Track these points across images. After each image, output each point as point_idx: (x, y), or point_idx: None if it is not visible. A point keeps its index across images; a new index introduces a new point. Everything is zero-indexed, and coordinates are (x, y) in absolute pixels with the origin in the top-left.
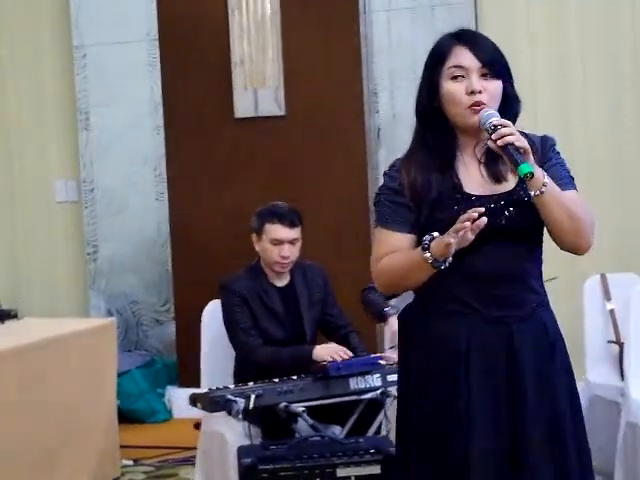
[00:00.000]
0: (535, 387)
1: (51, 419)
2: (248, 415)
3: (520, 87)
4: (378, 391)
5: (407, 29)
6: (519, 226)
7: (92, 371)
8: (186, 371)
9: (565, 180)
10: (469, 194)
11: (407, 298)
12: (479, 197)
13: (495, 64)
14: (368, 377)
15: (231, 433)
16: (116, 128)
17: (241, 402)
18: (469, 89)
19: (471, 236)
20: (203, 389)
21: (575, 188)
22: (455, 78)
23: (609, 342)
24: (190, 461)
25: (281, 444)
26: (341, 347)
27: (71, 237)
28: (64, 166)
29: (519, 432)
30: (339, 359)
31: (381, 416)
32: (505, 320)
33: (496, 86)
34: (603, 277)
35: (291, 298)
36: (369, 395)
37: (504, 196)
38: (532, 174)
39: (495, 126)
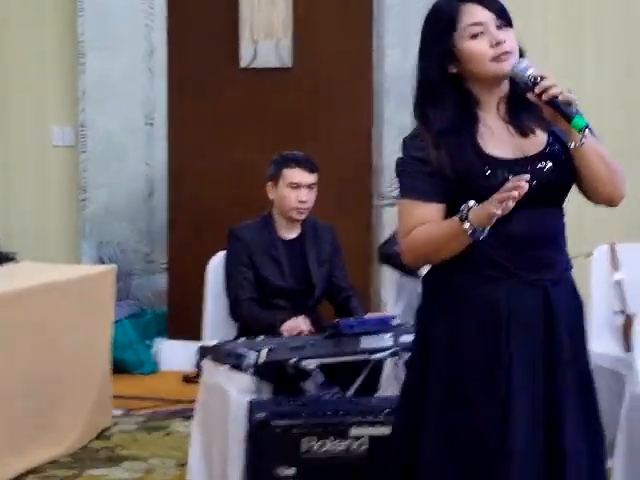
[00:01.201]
0: (570, 350)
1: (50, 365)
2: (258, 369)
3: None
4: (389, 351)
5: None
6: (552, 187)
7: (90, 319)
8: (176, 323)
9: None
10: (498, 159)
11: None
12: (508, 161)
13: (505, 13)
14: (380, 337)
15: (233, 387)
16: (115, 74)
17: (253, 356)
18: (493, 41)
19: (512, 204)
20: (209, 342)
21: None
22: (475, 36)
23: (615, 313)
24: (181, 414)
25: (294, 400)
26: (306, 323)
27: (66, 182)
28: (63, 111)
29: (555, 399)
30: (304, 329)
31: (388, 375)
32: (541, 283)
33: (512, 34)
34: (612, 247)
35: (298, 251)
36: (379, 355)
37: (535, 157)
38: (587, 126)
39: (535, 78)
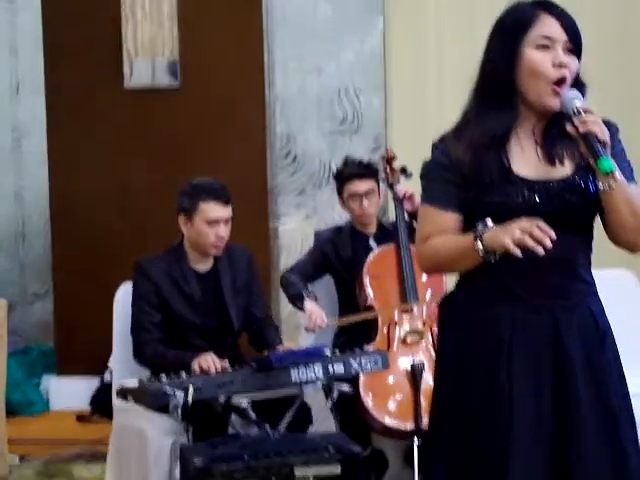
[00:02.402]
0: (585, 378)
1: None
2: (185, 410)
3: None
4: (319, 382)
5: (309, 2)
6: (572, 214)
7: None
8: (65, 359)
9: (627, 172)
10: (521, 177)
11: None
12: (532, 181)
13: (578, 40)
14: (309, 368)
15: (152, 429)
16: None
17: (180, 396)
18: (556, 61)
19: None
20: (128, 382)
21: (635, 181)
22: (541, 47)
23: None
24: (81, 456)
25: (231, 442)
26: (215, 359)
27: None
28: None
29: (567, 424)
30: (213, 371)
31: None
32: (550, 308)
33: (576, 64)
34: None
35: (213, 284)
36: (311, 387)
37: (560, 182)
38: (612, 172)
39: (579, 110)
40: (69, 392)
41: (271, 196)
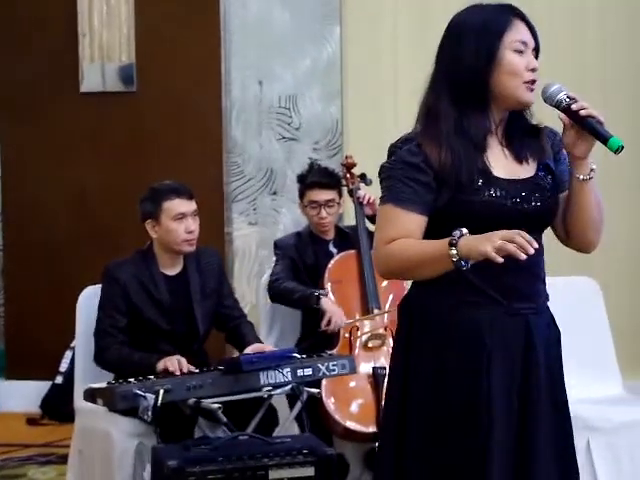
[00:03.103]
0: (546, 379)
1: None
2: (155, 412)
3: None
4: (288, 387)
5: (267, 7)
6: (541, 214)
7: None
8: (15, 362)
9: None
10: (497, 177)
11: None
12: (507, 181)
13: (539, 46)
14: (278, 372)
15: (117, 430)
16: None
17: (150, 398)
18: (530, 65)
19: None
20: (96, 384)
21: None
22: (518, 52)
23: None
24: (34, 459)
25: (204, 445)
26: (182, 360)
27: None
28: None
29: (529, 428)
30: (178, 372)
31: (294, 413)
32: (523, 312)
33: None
34: None
35: (182, 288)
36: (279, 391)
37: (527, 182)
38: (623, 146)
39: (571, 97)
40: (18, 395)
41: (226, 201)
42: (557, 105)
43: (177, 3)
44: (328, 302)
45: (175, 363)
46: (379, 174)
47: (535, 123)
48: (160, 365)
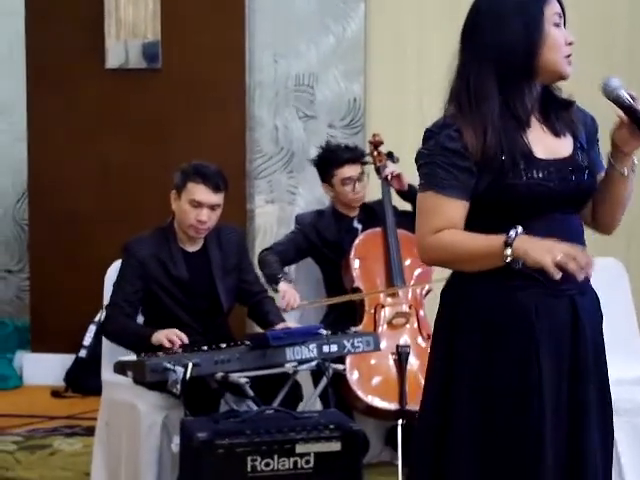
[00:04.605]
0: (593, 362)
1: None
2: (184, 386)
3: None
4: (313, 362)
5: None
6: (582, 194)
7: None
8: (40, 336)
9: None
10: (539, 158)
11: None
12: (548, 161)
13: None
14: (304, 348)
15: (143, 403)
16: None
17: (180, 371)
18: (568, 39)
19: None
20: (126, 357)
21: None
22: (557, 25)
23: None
24: (60, 431)
25: (232, 418)
26: (176, 331)
27: None
28: None
29: (580, 410)
30: (176, 341)
31: (319, 389)
32: (568, 293)
33: None
34: None
35: (202, 265)
36: (305, 366)
37: (568, 161)
38: None
39: (632, 97)
40: (43, 368)
41: (248, 179)
42: (616, 100)
43: None
44: (285, 284)
45: (173, 338)
46: (416, 160)
47: (565, 97)
48: (154, 339)
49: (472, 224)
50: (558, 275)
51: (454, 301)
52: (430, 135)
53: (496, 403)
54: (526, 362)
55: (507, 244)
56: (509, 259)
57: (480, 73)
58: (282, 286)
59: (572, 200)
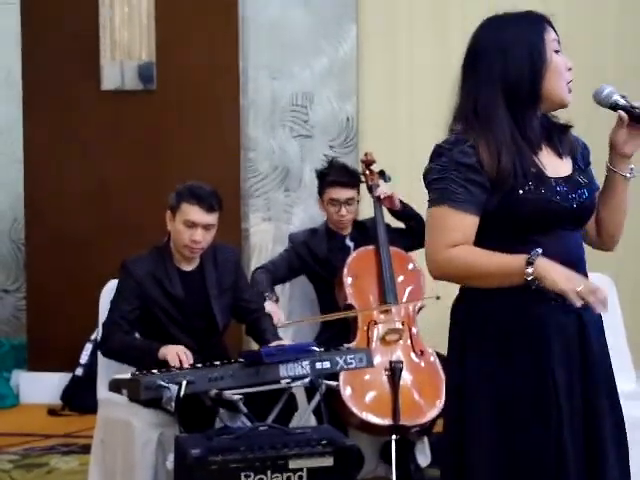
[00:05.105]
0: (602, 375)
1: None
2: (178, 403)
3: None
4: (307, 379)
5: (284, 6)
6: (584, 211)
7: None
8: (37, 354)
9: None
10: (548, 177)
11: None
12: (554, 179)
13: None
14: (297, 364)
15: (138, 421)
16: None
17: (174, 388)
18: (568, 64)
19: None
20: (121, 375)
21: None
22: (557, 52)
23: None
24: (57, 449)
25: (225, 434)
26: (183, 348)
27: None
28: None
29: (592, 421)
30: (185, 360)
31: (312, 405)
32: (575, 309)
33: None
34: None
35: (198, 284)
36: (298, 383)
37: (570, 179)
38: None
39: (625, 97)
40: (40, 387)
41: (243, 198)
42: (612, 105)
43: (196, 2)
44: (269, 304)
45: (176, 358)
46: (426, 176)
47: (563, 122)
48: (160, 353)
49: (478, 239)
50: (579, 303)
51: (466, 317)
52: (441, 151)
53: (514, 417)
54: (542, 375)
55: (529, 263)
56: (530, 277)
57: (488, 96)
58: (267, 306)
59: (575, 217)
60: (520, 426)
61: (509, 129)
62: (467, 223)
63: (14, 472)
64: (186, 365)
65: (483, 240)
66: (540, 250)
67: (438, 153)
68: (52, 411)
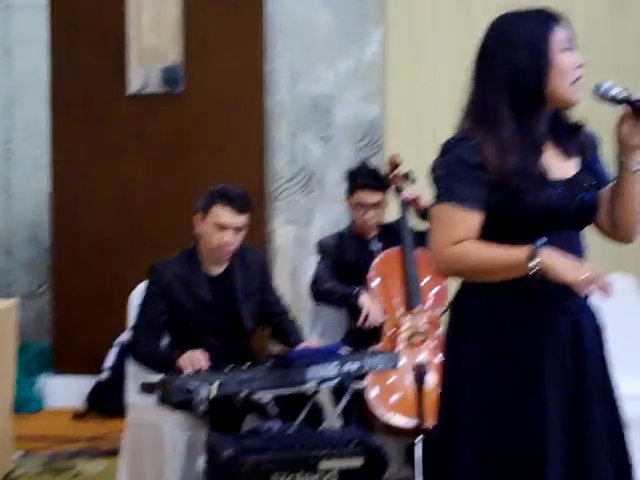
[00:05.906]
0: (596, 376)
1: None
2: (208, 405)
3: None
4: (335, 380)
5: (310, 9)
6: (586, 212)
7: None
8: (62, 358)
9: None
10: (552, 179)
11: None
12: (558, 181)
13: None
14: (324, 367)
15: (167, 423)
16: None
17: (204, 391)
18: (578, 62)
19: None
20: (152, 378)
21: None
22: (566, 50)
23: None
24: (84, 453)
25: (257, 436)
26: (198, 353)
27: None
28: None
29: (583, 421)
30: (197, 364)
31: (340, 406)
32: (570, 308)
33: None
34: None
35: (225, 288)
36: (327, 385)
37: (574, 180)
38: None
39: (626, 90)
40: (65, 391)
41: (267, 200)
42: (613, 99)
43: (223, 5)
44: (367, 299)
45: (188, 365)
46: (432, 171)
47: (575, 120)
48: (180, 362)
49: (480, 237)
50: (585, 292)
51: (462, 305)
52: (448, 148)
53: (500, 415)
54: (531, 375)
55: (533, 255)
56: (534, 270)
57: (495, 96)
58: (365, 300)
59: (575, 220)
60: (506, 427)
61: (513, 129)
62: (472, 219)
63: (43, 475)
64: (197, 368)
65: (485, 238)
66: (545, 239)
67: (445, 149)
68: (77, 415)
